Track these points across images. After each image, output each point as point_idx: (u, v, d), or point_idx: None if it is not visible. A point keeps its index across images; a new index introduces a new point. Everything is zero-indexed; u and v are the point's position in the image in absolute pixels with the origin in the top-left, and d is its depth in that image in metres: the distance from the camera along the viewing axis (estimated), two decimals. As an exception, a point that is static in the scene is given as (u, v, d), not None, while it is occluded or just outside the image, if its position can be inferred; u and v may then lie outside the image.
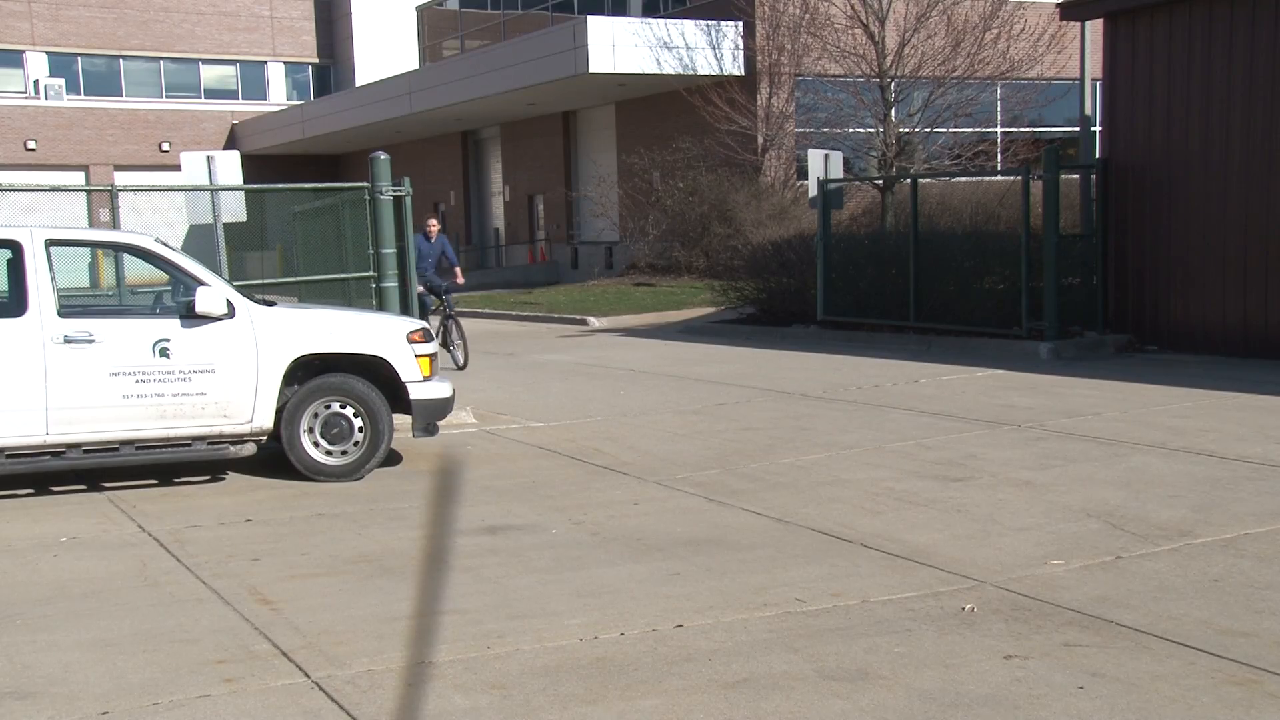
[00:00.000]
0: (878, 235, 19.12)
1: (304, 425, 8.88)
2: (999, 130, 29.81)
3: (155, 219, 13.76)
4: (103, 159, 45.59)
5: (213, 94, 49.28)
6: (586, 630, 5.43)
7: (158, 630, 5.61)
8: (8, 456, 8.29)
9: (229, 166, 13.00)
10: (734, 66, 29.38)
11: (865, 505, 7.69)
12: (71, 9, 46.46)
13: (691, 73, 29.24)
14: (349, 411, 8.97)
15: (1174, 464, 8.54)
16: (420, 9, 46.89)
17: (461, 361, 15.89)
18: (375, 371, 9.08)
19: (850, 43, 25.68)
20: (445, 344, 15.85)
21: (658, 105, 31.99)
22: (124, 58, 47.69)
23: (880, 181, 23.39)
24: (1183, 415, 10.39)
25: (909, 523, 7.21)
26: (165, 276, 9.00)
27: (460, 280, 16.72)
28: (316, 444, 8.93)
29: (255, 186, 13.86)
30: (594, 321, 22.83)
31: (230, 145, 45.84)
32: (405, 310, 11.53)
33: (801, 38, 27.57)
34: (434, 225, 16.67)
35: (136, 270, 10.10)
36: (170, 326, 8.52)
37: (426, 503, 8.22)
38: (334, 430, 8.93)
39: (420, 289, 14.93)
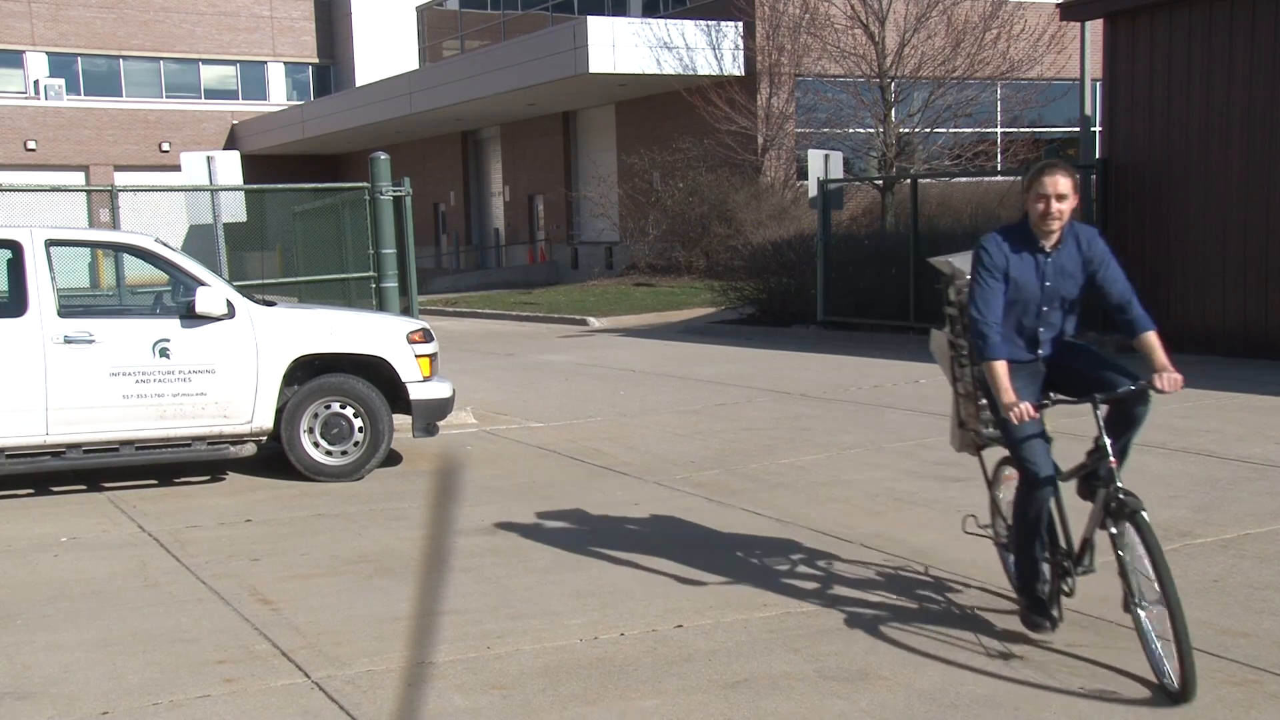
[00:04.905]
0: (878, 235, 19.12)
1: (304, 425, 8.88)
2: (999, 130, 29.81)
3: (155, 219, 13.77)
4: (103, 159, 45.58)
5: (213, 94, 49.27)
6: (586, 630, 5.43)
7: (158, 630, 5.61)
8: (8, 456, 8.29)
9: (229, 167, 13.02)
10: (734, 67, 29.39)
11: (865, 505, 7.69)
12: (71, 9, 46.45)
13: (691, 73, 29.25)
14: (349, 411, 8.97)
15: (1174, 464, 8.54)
16: (420, 9, 46.89)
17: (1177, 683, 4.51)
18: (375, 371, 9.08)
19: (850, 43, 25.71)
20: (1062, 590, 5.24)
21: (658, 105, 32.00)
22: (124, 58, 47.67)
23: (880, 181, 23.39)
24: (1183, 415, 10.38)
25: (909, 523, 7.22)
26: (165, 276, 9.00)
27: (1176, 381, 5.33)
28: (316, 444, 8.93)
29: (255, 187, 13.87)
30: (594, 322, 22.83)
31: (230, 145, 45.83)
32: (405, 310, 11.52)
33: (801, 38, 27.59)
34: (1066, 194, 5.20)
35: (136, 270, 10.10)
36: (170, 327, 8.51)
37: (426, 503, 8.22)
38: (334, 430, 8.94)
39: (1017, 408, 5.28)
